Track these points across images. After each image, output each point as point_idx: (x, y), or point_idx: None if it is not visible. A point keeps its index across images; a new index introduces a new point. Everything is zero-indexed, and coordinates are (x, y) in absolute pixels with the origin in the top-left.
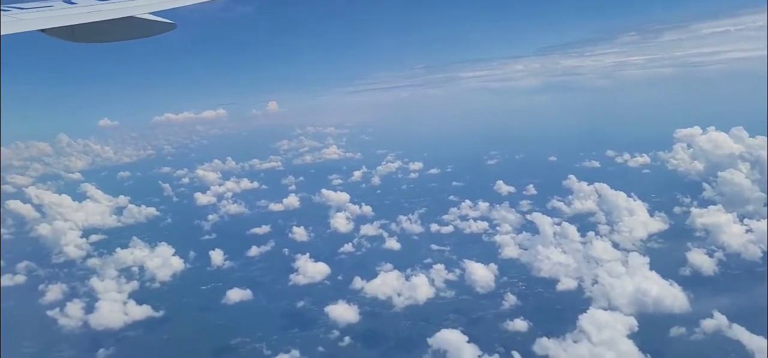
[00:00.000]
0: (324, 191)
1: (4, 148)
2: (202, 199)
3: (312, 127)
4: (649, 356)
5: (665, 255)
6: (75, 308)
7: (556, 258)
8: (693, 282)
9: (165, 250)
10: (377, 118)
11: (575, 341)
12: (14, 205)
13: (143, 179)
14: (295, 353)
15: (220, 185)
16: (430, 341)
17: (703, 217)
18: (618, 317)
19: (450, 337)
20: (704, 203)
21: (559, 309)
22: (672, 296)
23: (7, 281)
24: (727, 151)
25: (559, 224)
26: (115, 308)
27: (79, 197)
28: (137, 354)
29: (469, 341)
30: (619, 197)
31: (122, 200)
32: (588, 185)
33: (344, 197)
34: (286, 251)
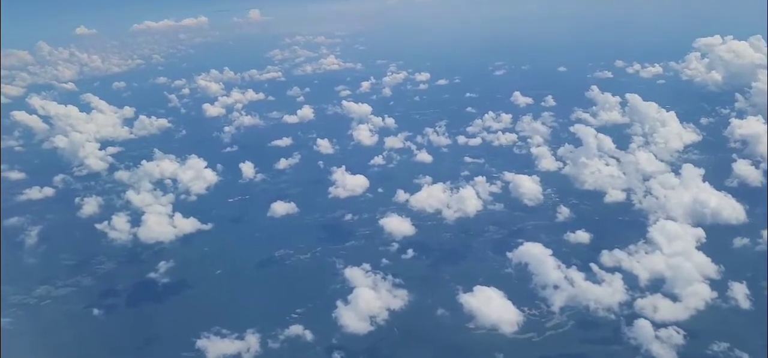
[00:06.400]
0: (344, 102)
1: None
2: (211, 110)
3: (301, 37)
4: (722, 267)
5: (706, 166)
6: (120, 221)
7: (605, 171)
8: (742, 193)
9: (196, 162)
10: (368, 28)
11: (646, 253)
12: (20, 116)
13: (141, 89)
14: (366, 265)
15: (225, 95)
16: (509, 255)
17: (742, 128)
18: (687, 229)
19: (533, 250)
20: (738, 114)
21: (614, 221)
22: (730, 207)
23: (36, 193)
24: (748, 61)
25: (594, 137)
26: (162, 221)
27: (85, 108)
28: (196, 266)
29: (552, 255)
30: (651, 108)
31: (128, 111)
32: (612, 95)
33: (366, 109)
34: (321, 163)
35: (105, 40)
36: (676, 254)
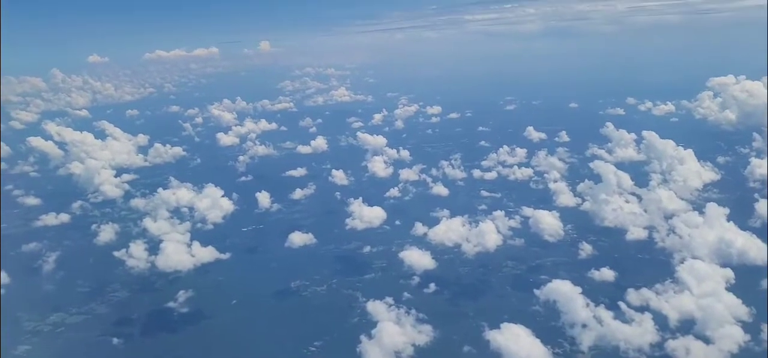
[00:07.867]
0: (359, 134)
1: None
2: (225, 139)
3: (311, 68)
4: (753, 309)
5: (727, 206)
6: (138, 249)
7: (626, 208)
8: (765, 233)
9: (213, 191)
10: (377, 61)
11: (675, 293)
12: (35, 142)
13: (154, 117)
14: (389, 299)
15: (238, 125)
16: (537, 292)
17: (762, 168)
18: (716, 269)
19: (562, 288)
20: (757, 154)
21: (637, 259)
22: (756, 248)
23: (52, 219)
24: (762, 101)
25: (614, 174)
26: (180, 250)
27: (99, 135)
28: (213, 296)
29: (581, 293)
30: (668, 146)
31: (142, 138)
32: (628, 132)
33: (380, 140)
34: (337, 194)
35: (117, 68)
36: (706, 294)
